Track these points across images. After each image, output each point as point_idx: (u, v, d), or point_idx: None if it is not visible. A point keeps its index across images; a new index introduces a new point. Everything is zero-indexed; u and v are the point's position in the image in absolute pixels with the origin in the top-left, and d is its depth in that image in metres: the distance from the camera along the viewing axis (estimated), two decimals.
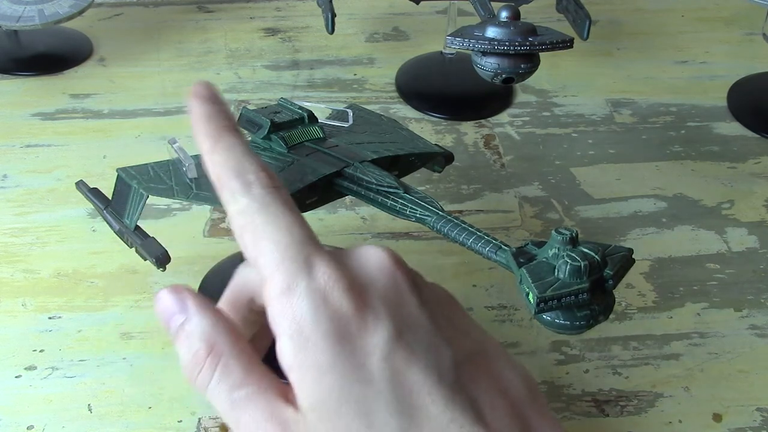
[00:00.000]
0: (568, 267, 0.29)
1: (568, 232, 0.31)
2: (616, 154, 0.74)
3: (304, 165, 0.48)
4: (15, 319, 0.57)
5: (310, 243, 0.32)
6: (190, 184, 0.47)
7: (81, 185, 0.53)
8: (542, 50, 0.54)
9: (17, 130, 0.75)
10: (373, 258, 0.33)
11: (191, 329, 0.33)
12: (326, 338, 0.29)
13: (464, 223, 0.40)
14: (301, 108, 0.52)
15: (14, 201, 0.67)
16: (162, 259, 0.47)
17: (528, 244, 0.33)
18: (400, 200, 0.44)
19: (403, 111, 0.79)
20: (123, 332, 0.56)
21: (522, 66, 0.54)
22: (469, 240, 0.39)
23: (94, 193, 0.52)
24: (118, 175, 0.48)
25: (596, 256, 0.30)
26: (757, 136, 0.77)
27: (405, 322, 0.31)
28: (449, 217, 0.41)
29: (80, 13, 0.80)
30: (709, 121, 0.79)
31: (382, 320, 0.30)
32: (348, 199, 0.60)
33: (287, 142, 0.50)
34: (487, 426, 0.30)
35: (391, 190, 0.45)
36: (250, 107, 0.53)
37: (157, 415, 0.51)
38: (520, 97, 0.81)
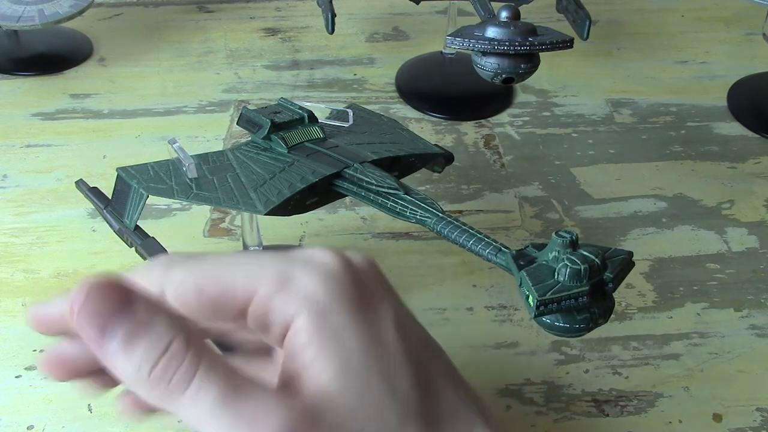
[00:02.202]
0: (568, 270, 0.29)
1: (568, 235, 0.30)
2: (616, 154, 0.74)
3: (305, 165, 0.48)
4: (15, 319, 0.57)
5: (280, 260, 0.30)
6: (190, 183, 0.47)
7: (81, 184, 0.53)
8: (542, 50, 0.54)
9: (17, 130, 0.75)
10: (354, 254, 0.32)
11: (153, 320, 0.26)
12: (343, 304, 0.28)
13: (464, 224, 0.40)
14: (301, 108, 0.52)
15: (14, 201, 0.67)
16: None
17: (528, 246, 0.33)
18: (400, 201, 0.44)
19: (403, 111, 0.79)
20: None
21: (522, 66, 0.54)
22: (469, 242, 0.39)
23: (94, 192, 0.52)
24: (118, 175, 0.48)
25: (596, 260, 0.30)
26: (757, 136, 0.77)
27: (401, 304, 0.31)
28: (449, 219, 0.41)
29: (80, 13, 0.80)
30: (709, 121, 0.79)
31: (388, 293, 0.30)
32: (348, 199, 0.60)
33: (287, 143, 0.50)
34: (488, 422, 0.30)
35: (391, 191, 0.45)
36: (250, 107, 0.53)
37: (157, 415, 0.51)
38: (520, 97, 0.81)
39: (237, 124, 0.52)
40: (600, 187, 0.70)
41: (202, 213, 0.66)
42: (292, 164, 0.48)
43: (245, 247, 0.57)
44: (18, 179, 0.69)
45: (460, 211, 0.67)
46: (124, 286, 0.26)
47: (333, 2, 0.72)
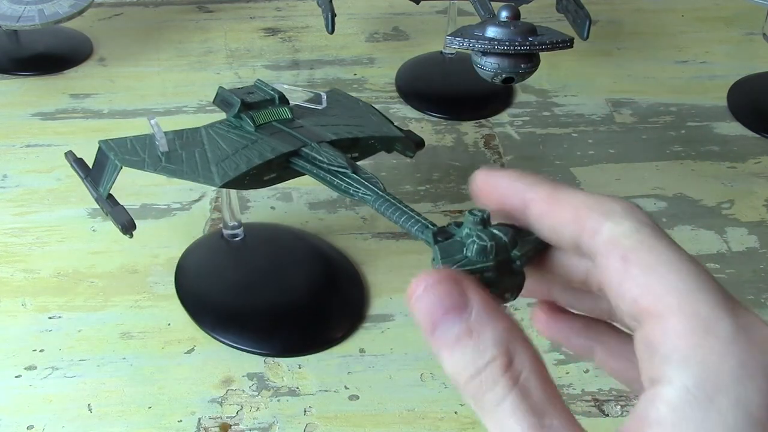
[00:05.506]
0: (475, 246, 0.30)
1: (480, 214, 0.32)
2: (616, 154, 0.74)
3: (266, 143, 0.50)
4: (15, 319, 0.57)
5: None
6: (160, 157, 0.49)
7: (69, 155, 0.55)
8: (542, 50, 0.54)
9: (17, 130, 0.75)
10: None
11: (481, 331, 0.25)
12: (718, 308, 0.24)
13: (401, 203, 0.42)
14: (273, 90, 0.54)
15: (14, 201, 0.67)
16: (127, 226, 0.49)
17: (451, 224, 0.34)
18: (346, 179, 0.46)
19: (403, 111, 0.79)
20: (123, 332, 0.56)
21: (522, 66, 0.54)
22: (400, 219, 0.41)
23: (79, 164, 0.54)
24: (99, 146, 0.51)
25: (504, 237, 0.31)
26: (757, 136, 0.77)
27: None
28: (387, 197, 0.43)
29: (80, 13, 0.80)
30: (709, 121, 0.79)
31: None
32: (348, 199, 0.60)
33: (255, 122, 0.52)
34: None
35: (341, 169, 0.47)
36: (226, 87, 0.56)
37: (157, 415, 0.51)
38: (520, 97, 0.81)
39: (213, 102, 0.55)
40: (600, 187, 0.70)
41: (201, 213, 0.66)
42: (255, 141, 0.51)
43: (225, 225, 0.60)
44: (18, 179, 0.69)
45: (460, 211, 0.67)
46: (462, 287, 0.26)
47: (333, 2, 0.72)
